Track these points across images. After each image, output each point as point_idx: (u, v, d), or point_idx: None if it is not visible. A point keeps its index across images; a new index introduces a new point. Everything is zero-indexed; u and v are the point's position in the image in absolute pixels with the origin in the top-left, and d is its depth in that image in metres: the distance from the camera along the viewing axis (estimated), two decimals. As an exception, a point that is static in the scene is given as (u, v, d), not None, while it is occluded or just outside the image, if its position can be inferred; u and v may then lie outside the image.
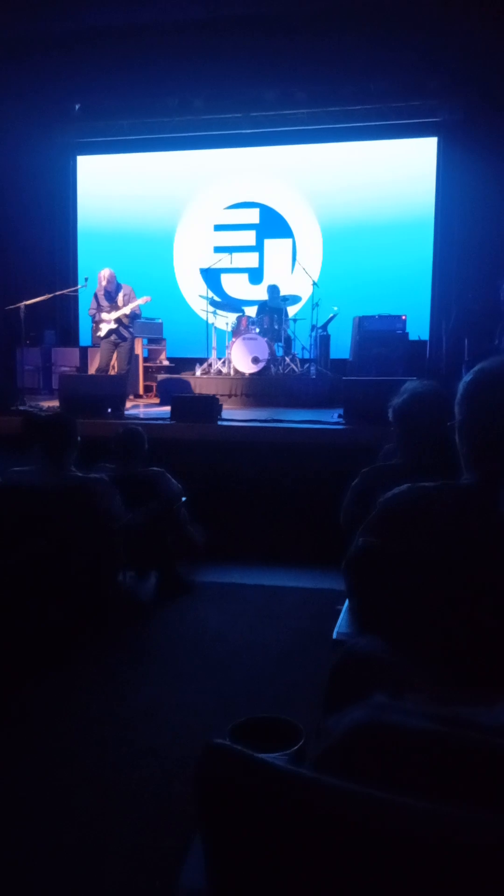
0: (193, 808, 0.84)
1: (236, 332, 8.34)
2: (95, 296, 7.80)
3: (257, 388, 7.91)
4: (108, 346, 7.79)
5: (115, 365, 7.84)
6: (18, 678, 3.09)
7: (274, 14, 7.88)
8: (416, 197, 9.25)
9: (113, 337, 7.75)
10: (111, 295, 7.74)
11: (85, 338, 9.65)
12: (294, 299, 8.91)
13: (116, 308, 7.71)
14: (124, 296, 7.73)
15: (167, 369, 9.10)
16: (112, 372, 7.75)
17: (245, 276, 9.94)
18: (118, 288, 7.77)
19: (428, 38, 7.68)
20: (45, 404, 6.99)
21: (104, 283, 7.72)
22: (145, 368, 8.86)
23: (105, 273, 7.75)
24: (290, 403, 7.52)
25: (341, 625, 2.01)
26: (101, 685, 3.14)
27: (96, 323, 7.83)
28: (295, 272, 9.51)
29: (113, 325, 7.69)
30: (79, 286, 8.39)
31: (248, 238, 9.96)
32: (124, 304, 7.72)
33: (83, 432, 3.73)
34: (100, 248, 9.90)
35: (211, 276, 9.49)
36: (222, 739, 0.85)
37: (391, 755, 0.79)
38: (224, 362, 8.34)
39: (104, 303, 7.74)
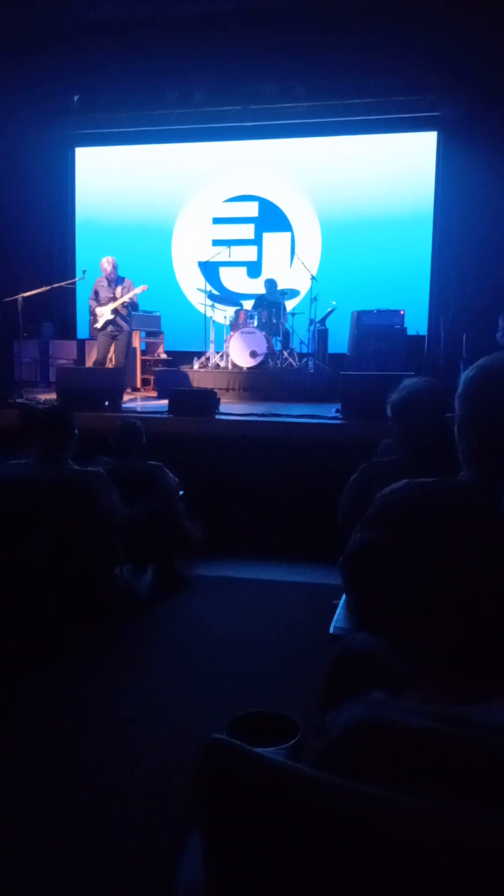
0: (191, 803, 0.84)
1: (234, 325, 8.33)
2: (95, 290, 7.78)
3: (255, 382, 7.90)
4: (105, 339, 7.78)
5: (113, 358, 7.83)
6: (14, 672, 3.09)
7: (274, 7, 7.85)
8: (415, 192, 9.23)
9: (110, 328, 7.73)
10: (112, 283, 7.71)
11: (82, 330, 9.63)
12: (292, 293, 8.90)
13: (114, 299, 7.69)
14: (123, 289, 7.71)
15: (165, 362, 9.09)
16: (110, 365, 7.73)
17: (243, 269, 9.92)
18: (119, 280, 7.75)
19: (428, 32, 7.66)
20: (43, 397, 6.98)
21: (108, 268, 7.68)
22: (143, 361, 8.86)
23: (109, 259, 7.72)
24: (288, 398, 7.52)
25: (338, 619, 2.02)
26: (98, 679, 3.15)
27: (93, 315, 7.81)
28: (293, 266, 9.50)
29: (110, 317, 7.67)
30: (77, 278, 8.37)
31: (247, 231, 9.93)
32: (122, 296, 7.70)
33: (80, 426, 3.72)
34: (98, 240, 9.86)
35: (209, 270, 9.47)
36: (219, 734, 0.85)
37: (390, 752, 0.79)
38: (222, 356, 8.33)
39: (103, 294, 7.72)
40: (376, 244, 9.36)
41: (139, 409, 6.65)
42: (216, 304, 8.82)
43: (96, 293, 7.77)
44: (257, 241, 9.93)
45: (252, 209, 9.93)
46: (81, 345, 8.96)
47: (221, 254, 9.13)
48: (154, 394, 8.17)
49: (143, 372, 8.79)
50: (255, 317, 8.48)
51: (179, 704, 2.92)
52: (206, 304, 8.72)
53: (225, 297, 9.23)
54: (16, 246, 9.28)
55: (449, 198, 8.96)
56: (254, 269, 9.90)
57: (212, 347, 8.60)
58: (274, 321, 8.39)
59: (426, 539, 1.39)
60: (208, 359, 8.48)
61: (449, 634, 1.25)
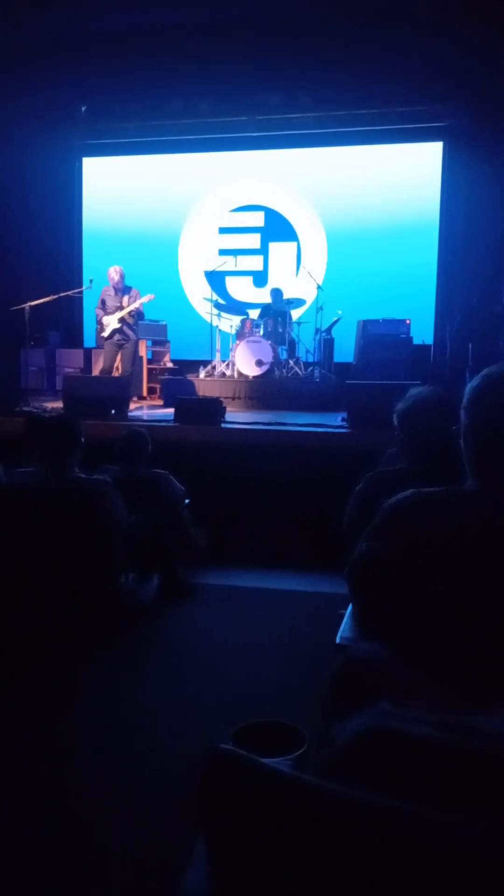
0: (196, 813, 0.84)
1: (240, 334, 8.35)
2: (102, 299, 7.81)
3: (261, 391, 7.91)
4: (111, 348, 7.80)
5: (119, 366, 7.85)
6: (19, 679, 3.09)
7: (279, 17, 7.89)
8: (420, 201, 9.25)
9: (116, 337, 7.75)
10: (119, 292, 7.74)
11: (89, 339, 9.66)
12: (298, 302, 8.92)
13: (121, 308, 7.72)
14: (130, 298, 7.74)
15: (171, 371, 9.11)
16: (116, 373, 7.76)
17: (249, 279, 9.95)
18: (126, 289, 7.78)
19: (433, 42, 7.69)
20: (49, 405, 6.99)
21: (116, 277, 7.72)
22: (149, 370, 8.88)
23: (116, 268, 7.76)
24: (294, 406, 7.52)
25: (344, 629, 2.01)
26: (102, 687, 3.14)
27: (100, 323, 7.84)
28: (299, 275, 9.52)
29: (116, 325, 7.70)
30: (83, 287, 8.40)
31: (253, 241, 9.97)
32: (129, 305, 7.73)
33: (87, 434, 3.73)
34: (105, 249, 9.91)
35: (215, 279, 9.50)
36: (225, 744, 0.84)
37: (396, 762, 0.79)
38: (228, 365, 8.35)
39: (110, 303, 7.75)
40: (382, 253, 9.38)
41: (145, 418, 6.66)
42: (222, 314, 8.85)
43: (103, 302, 7.79)
44: (263, 251, 9.96)
45: (258, 219, 9.96)
46: (88, 353, 8.99)
47: (227, 263, 9.16)
48: (160, 402, 8.18)
49: (149, 380, 8.81)
50: (261, 326, 8.49)
51: (183, 712, 2.91)
52: (212, 314, 8.75)
53: (231, 306, 9.26)
54: (23, 255, 9.33)
55: (454, 207, 8.98)
56: (260, 278, 9.93)
57: (218, 356, 8.62)
58: (280, 330, 8.40)
59: (432, 547, 1.39)
60: (214, 367, 8.50)
61: (454, 643, 1.25)
